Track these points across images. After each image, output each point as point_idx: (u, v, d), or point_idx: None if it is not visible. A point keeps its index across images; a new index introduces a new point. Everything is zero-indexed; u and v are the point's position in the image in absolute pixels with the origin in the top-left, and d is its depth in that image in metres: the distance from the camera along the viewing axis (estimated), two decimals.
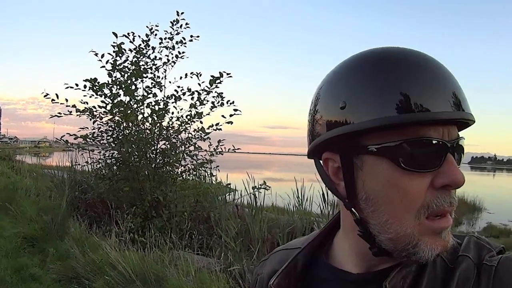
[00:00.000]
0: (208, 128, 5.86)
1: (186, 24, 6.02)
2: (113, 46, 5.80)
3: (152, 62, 6.08)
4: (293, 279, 0.65)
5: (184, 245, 4.30)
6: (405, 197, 0.51)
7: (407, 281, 0.56)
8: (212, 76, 5.66)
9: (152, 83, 6.08)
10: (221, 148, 6.00)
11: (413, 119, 0.48)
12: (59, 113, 6.04)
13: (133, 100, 5.89)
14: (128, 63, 5.90)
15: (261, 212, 5.27)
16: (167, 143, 6.06)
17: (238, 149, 6.25)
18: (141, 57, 5.96)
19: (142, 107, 6.04)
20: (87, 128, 6.03)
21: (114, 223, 4.90)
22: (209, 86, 5.69)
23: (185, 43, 6.11)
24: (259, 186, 5.60)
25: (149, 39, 6.04)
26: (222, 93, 5.77)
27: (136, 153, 5.85)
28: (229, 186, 6.44)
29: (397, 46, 0.55)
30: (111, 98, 5.77)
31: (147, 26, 6.01)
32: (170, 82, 6.18)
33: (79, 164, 7.38)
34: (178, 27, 6.02)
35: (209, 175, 6.19)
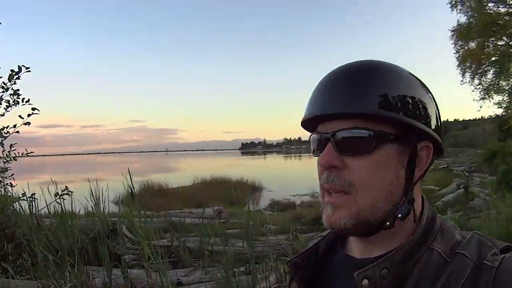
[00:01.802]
0: (2, 130, 5.01)
1: None
2: None
3: None
4: (313, 260, 0.73)
5: None
6: (319, 175, 0.65)
7: (391, 271, 0.59)
8: (12, 70, 4.85)
9: None
10: (15, 153, 5.23)
11: (304, 118, 0.66)
12: None
13: None
14: None
15: (71, 219, 4.92)
16: None
17: (31, 152, 5.57)
18: None
19: None
20: None
21: None
22: (5, 82, 4.86)
23: None
24: (62, 193, 5.18)
25: None
26: (18, 90, 5.02)
27: None
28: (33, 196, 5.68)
29: (355, 61, 0.66)
30: None
31: None
32: None
33: None
34: None
35: (2, 186, 5.30)
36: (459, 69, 23.75)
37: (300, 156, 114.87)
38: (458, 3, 22.95)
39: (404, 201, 0.61)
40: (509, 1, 22.26)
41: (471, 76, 23.50)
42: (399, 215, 0.60)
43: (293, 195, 18.10)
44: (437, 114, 0.65)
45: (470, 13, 22.74)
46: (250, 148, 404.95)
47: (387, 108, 0.59)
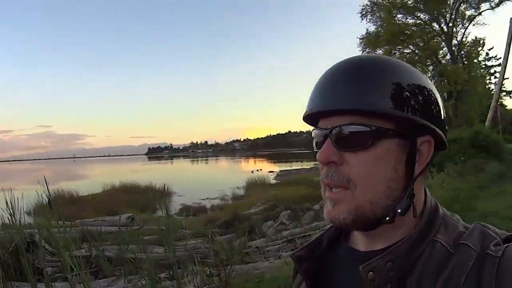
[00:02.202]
0: None
1: None
2: None
3: None
4: (317, 253, 0.74)
5: None
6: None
7: (396, 264, 0.59)
8: None
9: None
10: None
11: (304, 113, 0.67)
12: None
13: None
14: None
15: None
16: None
17: None
18: None
19: None
20: None
21: None
22: None
23: None
24: None
25: None
26: None
27: None
28: None
29: (354, 56, 0.66)
30: None
31: None
32: None
33: None
34: None
35: None
36: None
37: (207, 160, 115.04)
38: (368, 13, 25.41)
39: (404, 196, 0.62)
40: (417, 14, 24.99)
41: None
42: (399, 210, 0.61)
43: (203, 199, 18.23)
44: (439, 107, 0.64)
45: (379, 22, 25.08)
46: (157, 153, 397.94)
47: (384, 104, 0.59)
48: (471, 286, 0.53)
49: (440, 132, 0.63)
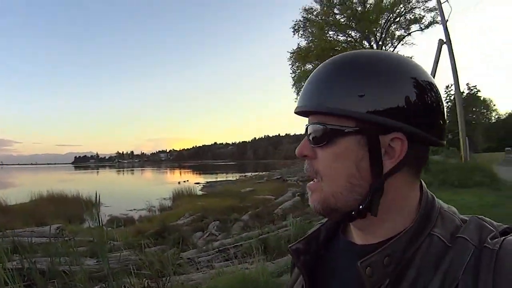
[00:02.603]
0: None
1: None
2: None
3: None
4: (314, 245, 0.75)
5: None
6: None
7: (393, 259, 0.60)
8: None
9: None
10: None
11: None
12: None
13: None
14: None
15: None
16: None
17: None
18: None
19: None
20: None
21: None
22: None
23: None
24: None
25: None
26: None
27: None
28: None
29: (353, 51, 0.68)
30: None
31: None
32: None
33: None
34: None
35: None
36: (294, 87, 27.09)
37: (133, 170, 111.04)
38: (300, 29, 26.36)
39: (368, 192, 0.62)
40: (348, 31, 26.26)
41: None
42: (361, 207, 0.63)
43: (130, 210, 17.85)
44: (414, 103, 0.61)
45: (311, 38, 25.98)
46: (83, 162, 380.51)
47: (343, 105, 0.61)
48: (469, 279, 0.54)
49: (414, 129, 0.61)
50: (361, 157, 0.63)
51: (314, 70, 0.68)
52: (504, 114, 69.24)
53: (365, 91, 0.61)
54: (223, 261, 6.78)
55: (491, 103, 61.08)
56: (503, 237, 0.56)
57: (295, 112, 0.70)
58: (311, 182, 0.68)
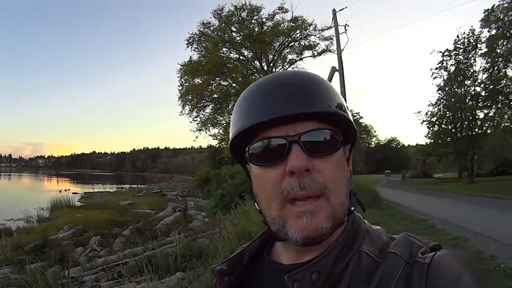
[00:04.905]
0: None
1: None
2: None
3: None
4: (238, 267, 0.73)
5: None
6: (267, 188, 0.63)
7: (322, 275, 0.60)
8: None
9: None
10: None
11: (244, 126, 0.63)
12: None
13: None
14: None
15: None
16: None
17: None
18: None
19: None
20: None
21: None
22: None
23: None
24: None
25: None
26: None
27: None
28: None
29: (276, 73, 0.70)
30: None
31: None
32: None
33: None
34: None
35: None
36: (180, 101, 26.57)
37: (10, 175, 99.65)
38: (195, 42, 26.39)
39: (351, 195, 0.66)
40: (241, 50, 26.67)
41: (191, 109, 26.44)
42: (352, 208, 0.66)
43: (8, 220, 16.59)
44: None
45: (204, 52, 25.88)
46: None
47: (341, 110, 0.63)
48: None
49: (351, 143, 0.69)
50: (347, 163, 0.68)
51: (280, 79, 0.65)
52: (384, 140, 79.17)
53: (340, 101, 0.65)
54: (110, 280, 6.77)
55: (372, 129, 66.13)
56: (433, 252, 0.58)
57: (249, 127, 0.63)
58: (310, 202, 0.60)
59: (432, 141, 33.13)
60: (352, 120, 0.66)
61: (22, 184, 66.51)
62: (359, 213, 0.71)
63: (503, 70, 27.25)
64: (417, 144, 54.89)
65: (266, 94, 0.63)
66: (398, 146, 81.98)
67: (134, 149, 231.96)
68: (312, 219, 0.59)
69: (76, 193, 35.16)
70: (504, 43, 26.01)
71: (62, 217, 16.31)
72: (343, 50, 18.43)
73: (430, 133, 32.55)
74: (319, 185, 0.59)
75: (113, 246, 10.99)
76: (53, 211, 19.27)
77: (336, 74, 17.83)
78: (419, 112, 32.91)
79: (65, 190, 37.99)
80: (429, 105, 32.43)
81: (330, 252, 0.62)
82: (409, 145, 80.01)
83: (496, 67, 27.41)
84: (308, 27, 26.48)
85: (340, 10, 19.33)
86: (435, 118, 31.83)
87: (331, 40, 25.32)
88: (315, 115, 0.61)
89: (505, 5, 24.82)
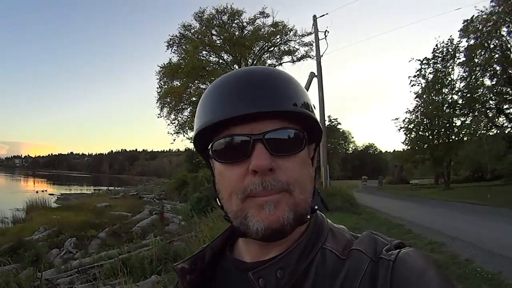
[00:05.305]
0: None
1: None
2: None
3: None
4: (199, 266, 0.72)
5: None
6: (229, 184, 0.63)
7: (286, 272, 0.60)
8: None
9: None
10: None
11: (207, 123, 0.62)
12: None
13: None
14: None
15: None
16: None
17: None
18: None
19: None
20: None
21: None
22: None
23: None
24: None
25: None
26: None
27: None
28: None
29: (243, 68, 0.70)
30: None
31: None
32: None
33: None
34: None
35: None
36: (158, 103, 26.37)
37: None
38: (175, 44, 26.20)
39: (315, 194, 0.66)
40: (221, 53, 26.52)
41: (169, 111, 26.38)
42: (316, 207, 0.67)
43: None
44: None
45: (183, 55, 25.65)
46: None
47: (307, 109, 0.63)
48: None
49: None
50: (310, 162, 0.68)
51: (244, 76, 0.65)
52: (361, 146, 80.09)
53: (306, 99, 0.65)
54: (85, 283, 6.71)
55: (350, 135, 67.13)
56: (398, 250, 0.59)
57: (213, 124, 0.62)
58: (269, 196, 0.60)
59: (409, 147, 33.63)
60: (318, 119, 0.66)
61: None
62: (322, 213, 0.73)
63: (480, 79, 28.10)
64: (394, 151, 55.66)
65: (232, 90, 0.63)
66: (375, 152, 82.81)
67: (112, 150, 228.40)
68: (274, 210, 0.59)
69: (52, 194, 34.56)
70: (482, 53, 26.86)
71: (38, 218, 16.06)
72: (322, 56, 18.57)
73: (407, 139, 33.03)
74: (281, 184, 0.60)
75: (88, 248, 10.89)
76: (28, 212, 18.96)
77: (315, 80, 17.94)
78: (397, 119, 33.45)
79: (42, 191, 37.28)
80: (406, 112, 32.97)
81: (293, 250, 0.63)
82: (386, 151, 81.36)
83: (473, 76, 28.14)
84: (289, 33, 26.73)
85: (320, 16, 19.67)
86: (412, 125, 32.28)
87: (311, 46, 25.62)
88: (280, 114, 0.61)
89: (483, 16, 25.66)
